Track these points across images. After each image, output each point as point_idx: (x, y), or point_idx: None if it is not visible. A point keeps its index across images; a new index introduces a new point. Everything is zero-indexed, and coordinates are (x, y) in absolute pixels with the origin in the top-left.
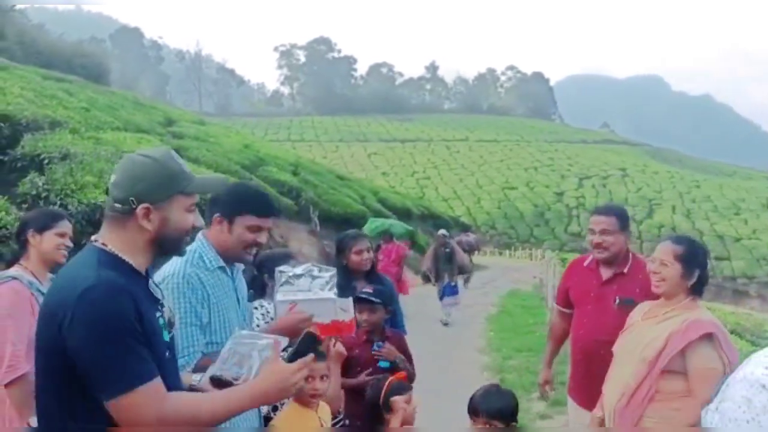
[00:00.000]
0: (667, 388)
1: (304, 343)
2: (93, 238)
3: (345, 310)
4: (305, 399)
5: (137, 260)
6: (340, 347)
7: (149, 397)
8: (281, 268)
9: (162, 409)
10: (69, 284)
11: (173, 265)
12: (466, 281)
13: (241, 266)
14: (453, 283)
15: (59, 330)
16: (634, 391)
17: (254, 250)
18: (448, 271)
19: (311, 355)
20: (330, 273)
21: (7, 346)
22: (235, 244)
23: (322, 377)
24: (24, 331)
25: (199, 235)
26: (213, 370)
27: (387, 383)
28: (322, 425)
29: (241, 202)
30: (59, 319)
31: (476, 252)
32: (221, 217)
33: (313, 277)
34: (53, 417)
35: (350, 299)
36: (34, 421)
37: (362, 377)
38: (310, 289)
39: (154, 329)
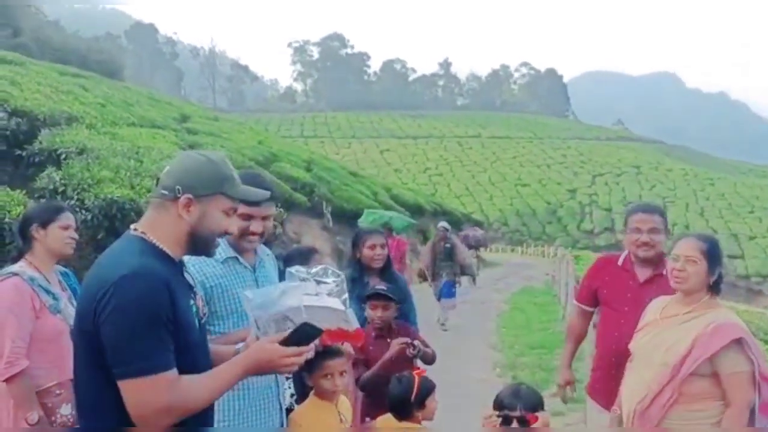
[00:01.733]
0: (690, 391)
1: (298, 333)
2: (133, 227)
3: (348, 322)
4: (325, 393)
5: (174, 249)
6: (348, 347)
7: (159, 386)
8: (292, 269)
9: (169, 399)
10: (109, 270)
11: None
12: (474, 280)
13: (267, 257)
14: (452, 283)
15: (95, 313)
16: (656, 394)
17: (255, 239)
18: (447, 269)
19: (309, 347)
20: (333, 280)
21: (6, 342)
22: (234, 235)
23: (341, 373)
24: (24, 327)
25: None
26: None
27: (417, 380)
28: (341, 419)
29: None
30: (95, 303)
31: (484, 248)
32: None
33: (318, 282)
34: (87, 396)
35: (351, 311)
36: (33, 417)
37: (394, 347)
38: (317, 293)
39: (187, 316)
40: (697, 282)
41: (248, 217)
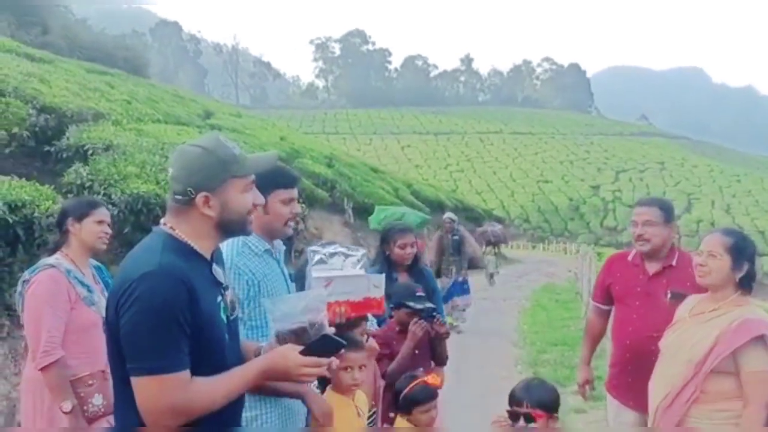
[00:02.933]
0: (714, 389)
1: (318, 343)
2: (162, 221)
3: (377, 287)
4: (344, 387)
5: (203, 245)
6: (372, 343)
7: (167, 386)
8: (313, 247)
9: (175, 400)
10: (132, 267)
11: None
12: (491, 278)
13: (283, 248)
14: (462, 279)
15: (116, 307)
16: (679, 391)
17: (293, 223)
18: (455, 264)
19: (329, 360)
20: (361, 252)
21: (43, 331)
22: (274, 221)
23: (360, 367)
24: (60, 318)
25: None
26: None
27: (414, 383)
28: (359, 413)
29: (268, 180)
30: (118, 297)
31: (504, 244)
32: None
33: (346, 256)
34: (117, 387)
35: (383, 275)
36: (67, 406)
37: (415, 332)
38: (342, 267)
39: (212, 313)
40: (719, 277)
41: (290, 201)
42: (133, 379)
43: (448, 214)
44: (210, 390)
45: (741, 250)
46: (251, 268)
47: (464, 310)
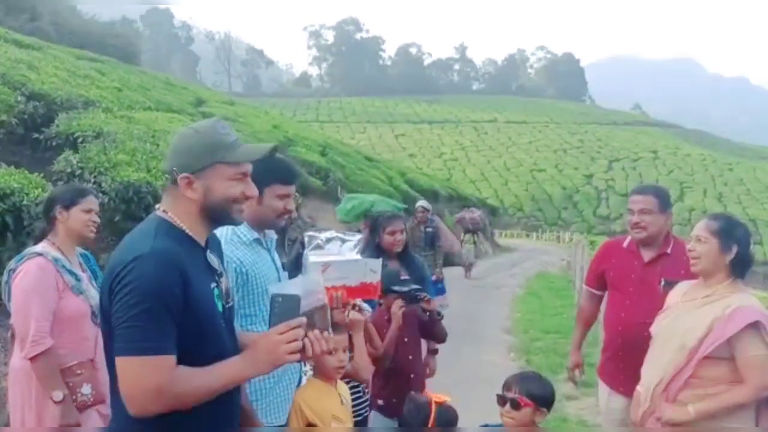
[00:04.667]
0: (707, 374)
1: (274, 303)
2: (157, 206)
3: (374, 271)
4: (328, 372)
5: (195, 230)
6: (354, 314)
7: (150, 367)
8: (310, 232)
9: (159, 382)
10: (125, 251)
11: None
12: (469, 270)
13: (274, 236)
14: (435, 279)
15: (110, 291)
16: (672, 377)
17: (286, 217)
18: (428, 260)
19: (300, 319)
20: (357, 237)
21: (31, 321)
22: (266, 214)
23: (344, 349)
24: (49, 307)
25: None
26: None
27: (434, 409)
28: (342, 401)
29: (267, 172)
30: (111, 281)
31: (482, 233)
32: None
33: (343, 241)
34: (113, 375)
35: (379, 260)
36: (58, 395)
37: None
38: (339, 252)
39: (206, 299)
40: (708, 262)
41: (285, 197)
42: (118, 359)
43: (421, 203)
44: (193, 380)
45: (728, 232)
46: (239, 256)
47: (440, 314)
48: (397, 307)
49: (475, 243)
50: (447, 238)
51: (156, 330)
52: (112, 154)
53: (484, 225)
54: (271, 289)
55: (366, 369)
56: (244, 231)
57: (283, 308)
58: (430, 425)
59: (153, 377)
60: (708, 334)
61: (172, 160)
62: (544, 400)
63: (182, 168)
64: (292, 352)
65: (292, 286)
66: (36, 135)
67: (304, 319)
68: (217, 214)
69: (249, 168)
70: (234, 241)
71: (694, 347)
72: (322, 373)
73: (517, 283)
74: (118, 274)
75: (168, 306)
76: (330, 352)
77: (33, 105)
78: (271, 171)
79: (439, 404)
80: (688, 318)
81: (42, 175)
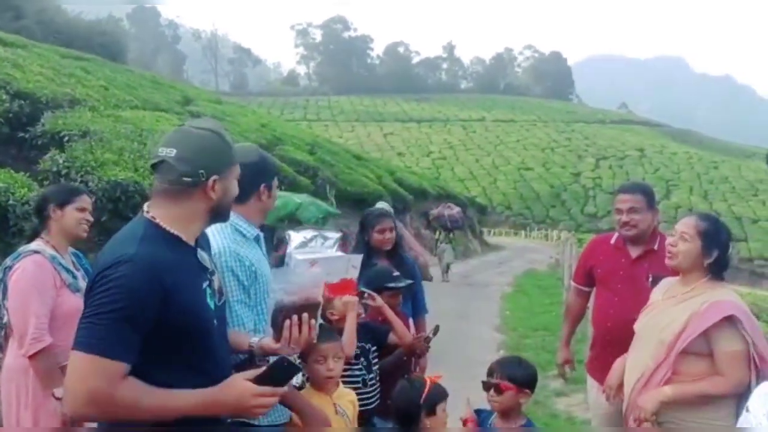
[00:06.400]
0: (687, 369)
1: (276, 368)
2: (144, 208)
3: (355, 267)
4: (320, 382)
5: (188, 231)
6: (348, 297)
7: (96, 369)
8: (289, 231)
9: (98, 385)
10: (110, 254)
11: (215, 242)
12: (447, 271)
13: (260, 234)
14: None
15: (90, 292)
16: (652, 372)
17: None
18: None
19: (284, 389)
20: (336, 236)
21: (30, 318)
22: (267, 210)
23: (336, 358)
24: (47, 304)
25: None
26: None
27: (429, 385)
28: (337, 411)
29: (269, 169)
30: (93, 282)
31: (460, 230)
32: (266, 187)
33: (324, 239)
34: None
35: (360, 256)
36: (59, 392)
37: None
38: (321, 250)
39: (196, 302)
40: (687, 260)
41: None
42: (71, 352)
43: (381, 204)
44: (143, 395)
45: (713, 236)
46: (248, 254)
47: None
48: (371, 299)
49: (451, 242)
50: (413, 248)
51: (115, 334)
52: (98, 154)
53: (463, 223)
54: (278, 275)
55: (350, 345)
56: (246, 228)
57: (282, 373)
58: (422, 401)
59: (92, 378)
60: (685, 329)
61: (198, 162)
62: (527, 382)
63: (210, 170)
64: (259, 412)
65: (295, 277)
66: (21, 134)
67: (286, 389)
68: (223, 213)
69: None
70: (239, 239)
71: (672, 342)
72: (315, 383)
73: (505, 281)
74: (100, 274)
75: (136, 316)
76: (299, 343)
77: (18, 104)
78: (272, 167)
79: (434, 382)
80: (668, 314)
81: (28, 174)
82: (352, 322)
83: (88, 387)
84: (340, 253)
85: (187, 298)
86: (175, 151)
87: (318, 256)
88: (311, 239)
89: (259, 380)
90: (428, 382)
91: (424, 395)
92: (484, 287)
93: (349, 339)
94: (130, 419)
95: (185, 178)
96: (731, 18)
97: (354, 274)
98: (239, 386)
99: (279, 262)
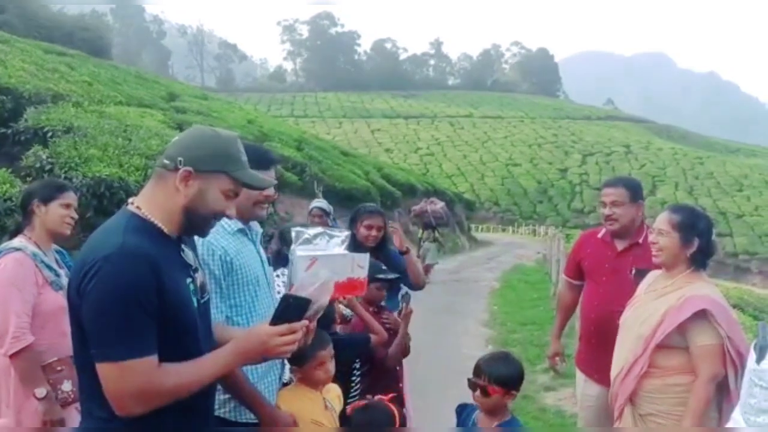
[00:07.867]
0: (664, 363)
1: (284, 307)
2: (130, 200)
3: (361, 267)
4: (313, 381)
5: (169, 226)
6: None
7: (132, 371)
8: (297, 228)
9: (142, 384)
10: (94, 248)
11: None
12: (427, 272)
13: (260, 230)
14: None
15: (78, 290)
16: (631, 365)
17: (267, 206)
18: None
19: (303, 322)
20: (345, 234)
21: (11, 317)
22: (242, 201)
23: (330, 359)
24: (28, 302)
25: None
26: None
27: (363, 406)
28: (327, 406)
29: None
30: (79, 280)
31: (446, 227)
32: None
33: (330, 236)
34: (81, 373)
35: (366, 255)
36: (41, 392)
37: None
38: (326, 248)
39: (181, 296)
40: (670, 255)
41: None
42: (98, 365)
43: (317, 203)
44: (179, 375)
45: (689, 225)
46: (223, 244)
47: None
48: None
49: (436, 240)
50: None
51: (131, 332)
52: (83, 149)
53: (447, 219)
54: (295, 283)
55: (378, 332)
56: (228, 221)
57: (291, 310)
58: (397, 425)
59: (134, 381)
60: (661, 324)
61: (181, 150)
62: (513, 382)
63: (189, 161)
64: (285, 350)
65: (308, 278)
66: (4, 130)
67: (306, 322)
68: (196, 221)
69: (241, 191)
70: (218, 230)
71: (648, 337)
72: (307, 380)
73: (493, 277)
74: (86, 273)
75: (142, 305)
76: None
77: (0, 99)
78: (248, 157)
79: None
80: (647, 308)
81: (11, 170)
82: (363, 313)
83: (131, 391)
84: (343, 252)
85: (173, 288)
86: (175, 138)
87: (319, 253)
88: (316, 236)
89: (274, 322)
90: (392, 407)
91: (397, 421)
92: (472, 282)
93: (373, 327)
94: (181, 396)
95: (164, 160)
96: (716, 15)
97: (361, 273)
98: (258, 331)
99: (276, 257)
